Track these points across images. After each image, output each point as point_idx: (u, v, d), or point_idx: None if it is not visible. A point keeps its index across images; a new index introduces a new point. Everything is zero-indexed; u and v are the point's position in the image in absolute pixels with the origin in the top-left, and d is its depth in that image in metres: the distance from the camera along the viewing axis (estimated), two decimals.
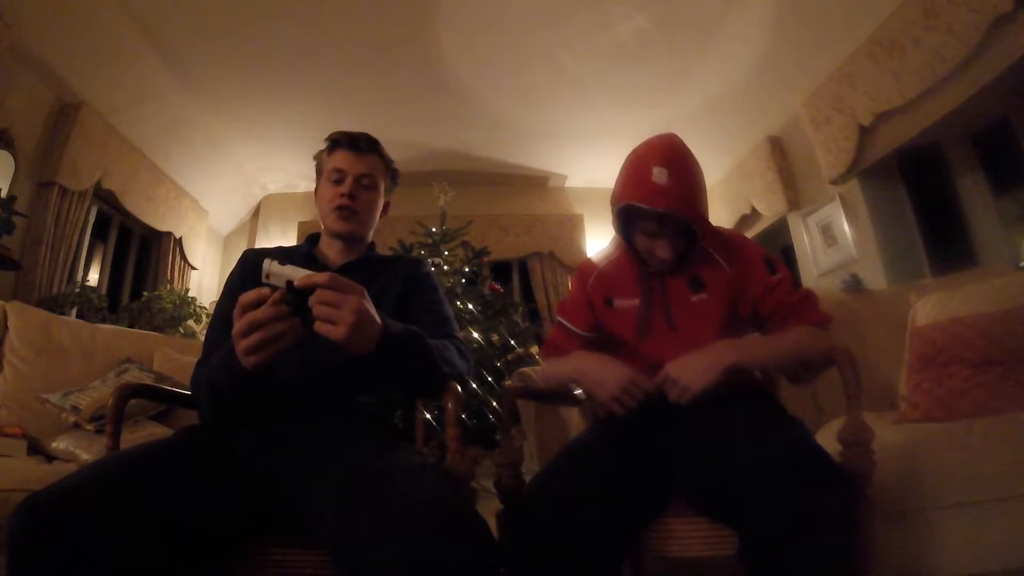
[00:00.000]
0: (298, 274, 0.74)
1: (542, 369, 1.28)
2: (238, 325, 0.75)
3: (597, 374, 1.03)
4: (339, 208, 1.12)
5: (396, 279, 1.14)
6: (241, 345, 0.75)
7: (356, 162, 1.14)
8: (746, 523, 0.83)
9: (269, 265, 0.75)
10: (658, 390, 0.98)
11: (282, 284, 0.74)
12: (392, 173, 1.23)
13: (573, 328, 1.22)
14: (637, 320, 1.14)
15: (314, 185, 1.23)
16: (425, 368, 0.95)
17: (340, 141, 1.16)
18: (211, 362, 0.92)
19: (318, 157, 1.21)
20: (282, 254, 1.18)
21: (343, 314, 0.73)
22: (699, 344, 1.01)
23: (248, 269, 1.12)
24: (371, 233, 1.21)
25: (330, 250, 1.18)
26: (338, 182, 1.14)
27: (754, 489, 0.80)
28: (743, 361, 0.99)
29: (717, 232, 1.16)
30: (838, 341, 1.05)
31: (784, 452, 0.83)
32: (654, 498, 0.94)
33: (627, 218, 1.12)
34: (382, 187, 1.19)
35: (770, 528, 0.78)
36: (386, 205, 1.23)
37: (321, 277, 0.74)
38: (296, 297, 0.73)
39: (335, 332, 0.73)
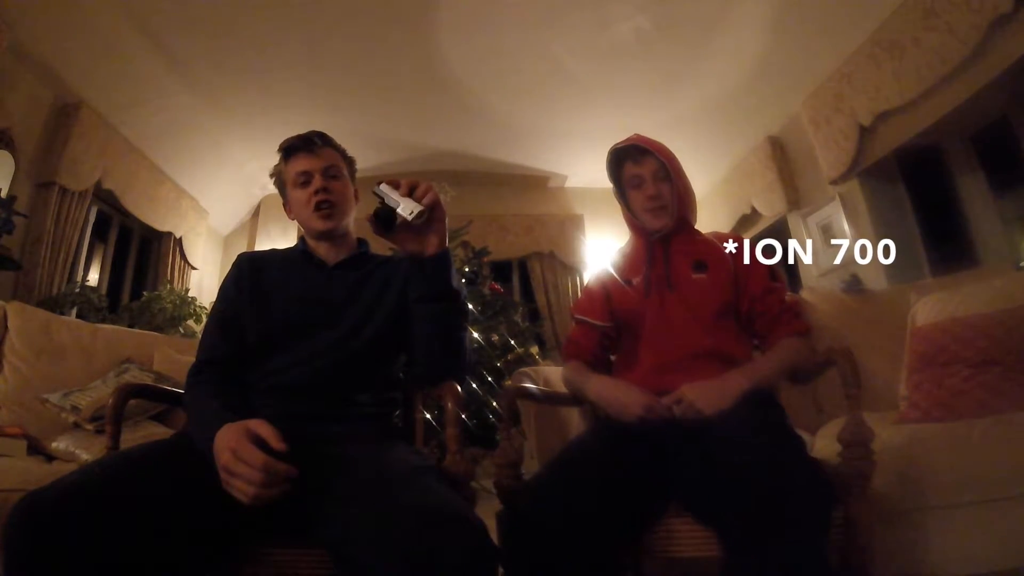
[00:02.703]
0: (403, 205, 0.94)
1: (565, 374, 1.33)
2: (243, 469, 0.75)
3: (617, 402, 1.11)
4: (319, 206, 1.10)
5: (396, 278, 1.14)
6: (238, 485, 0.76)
7: (316, 160, 1.14)
8: (723, 538, 0.84)
9: (384, 188, 0.97)
10: (671, 412, 1.04)
11: (390, 204, 0.95)
12: (349, 161, 1.22)
13: (592, 321, 1.30)
14: (643, 284, 1.24)
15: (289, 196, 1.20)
16: (457, 328, 1.01)
17: (293, 146, 1.15)
18: (196, 417, 0.93)
19: (275, 171, 1.19)
20: (277, 258, 1.18)
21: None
22: (694, 309, 1.18)
23: (243, 272, 1.12)
24: (351, 224, 1.19)
25: (319, 250, 1.17)
26: (306, 184, 1.12)
27: (730, 510, 0.81)
28: (754, 386, 1.05)
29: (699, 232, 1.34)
30: (838, 341, 1.06)
31: (765, 476, 0.80)
32: (653, 501, 0.94)
33: (620, 185, 1.32)
34: (347, 175, 1.19)
35: (743, 551, 0.79)
36: (355, 192, 1.22)
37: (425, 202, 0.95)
38: (388, 216, 0.95)
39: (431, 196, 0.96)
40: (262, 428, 0.78)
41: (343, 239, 1.17)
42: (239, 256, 1.18)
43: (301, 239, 1.21)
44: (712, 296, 1.19)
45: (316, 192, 1.10)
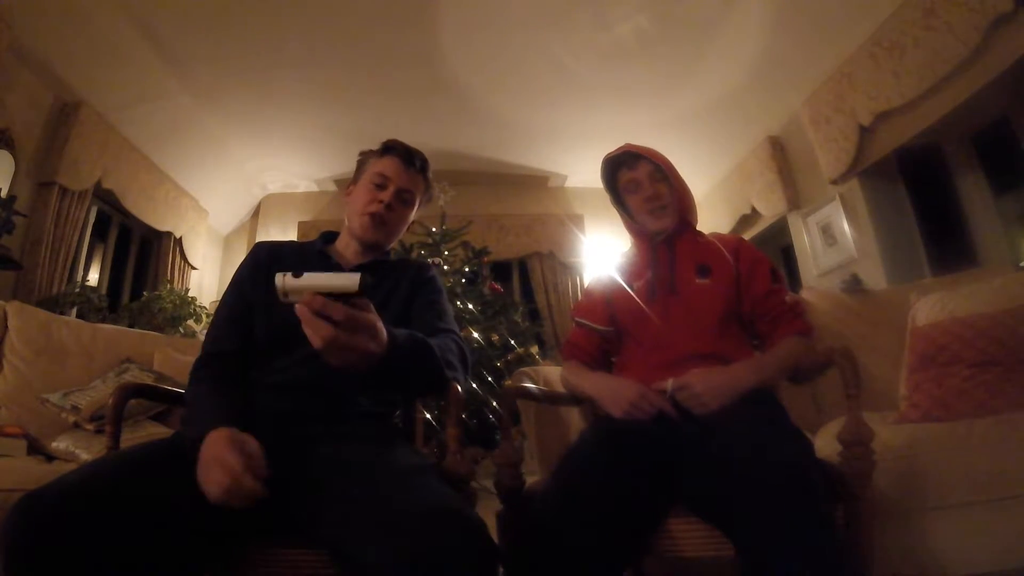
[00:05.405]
0: (318, 281, 0.69)
1: (564, 374, 1.34)
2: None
3: (611, 392, 1.11)
4: (372, 215, 1.12)
5: (403, 282, 1.15)
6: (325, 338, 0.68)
7: (403, 175, 1.15)
8: (739, 538, 0.83)
9: (283, 282, 0.68)
10: (667, 403, 1.04)
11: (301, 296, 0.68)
12: (427, 197, 1.25)
13: (592, 324, 1.30)
14: (647, 288, 1.24)
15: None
16: (430, 372, 0.95)
17: (395, 149, 1.17)
18: (192, 411, 0.92)
19: (363, 156, 1.21)
20: (295, 251, 1.18)
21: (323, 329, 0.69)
22: (697, 314, 1.17)
23: (260, 263, 1.12)
24: (390, 244, 1.21)
25: (347, 250, 1.18)
26: (380, 187, 1.14)
27: (747, 509, 0.80)
28: (760, 382, 1.06)
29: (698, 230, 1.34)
30: (838, 341, 1.06)
31: (781, 475, 0.80)
32: (658, 502, 0.93)
33: (617, 193, 1.33)
34: (416, 206, 1.21)
35: (761, 550, 0.78)
36: (411, 224, 1.25)
37: (339, 314, 0.68)
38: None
39: (313, 340, 0.69)
40: (253, 446, 0.78)
41: (376, 251, 1.18)
42: (257, 245, 1.17)
43: (320, 237, 1.22)
44: (716, 302, 1.19)
45: (380, 202, 1.11)
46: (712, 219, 4.61)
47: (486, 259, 3.94)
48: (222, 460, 0.75)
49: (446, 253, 3.54)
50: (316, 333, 0.68)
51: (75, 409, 1.72)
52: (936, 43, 2.46)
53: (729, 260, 1.23)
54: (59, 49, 2.84)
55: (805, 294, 2.04)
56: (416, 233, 3.74)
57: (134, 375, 1.91)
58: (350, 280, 0.69)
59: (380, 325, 0.76)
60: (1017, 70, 2.25)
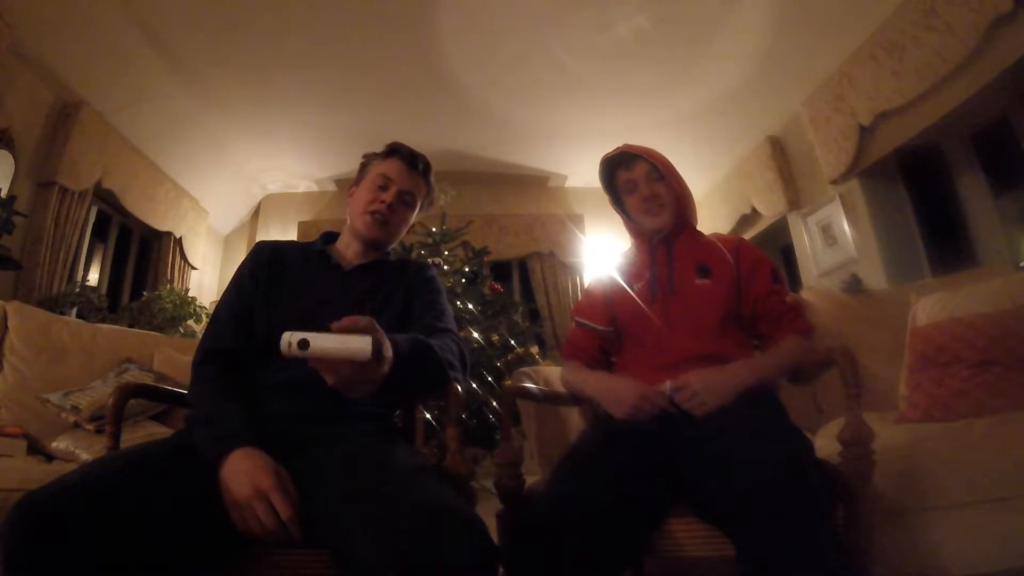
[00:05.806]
0: (327, 348, 0.69)
1: (564, 374, 1.34)
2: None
3: (613, 392, 1.12)
4: (374, 213, 1.13)
5: (402, 282, 1.15)
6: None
7: (405, 177, 1.17)
8: (739, 538, 0.83)
9: (290, 352, 0.68)
10: (668, 403, 1.04)
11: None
12: (428, 200, 1.26)
13: (591, 324, 1.30)
14: (647, 289, 1.23)
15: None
16: (434, 374, 0.96)
17: (398, 151, 1.19)
18: (207, 416, 0.91)
19: (367, 158, 1.23)
20: (296, 251, 1.18)
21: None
22: (697, 315, 1.17)
23: (261, 262, 1.13)
24: (391, 244, 1.23)
25: (348, 250, 1.19)
26: (382, 188, 1.16)
27: (747, 509, 0.80)
28: (759, 381, 1.06)
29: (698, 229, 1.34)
30: (838, 341, 1.06)
31: (781, 475, 0.80)
32: (657, 503, 0.93)
33: (615, 193, 1.34)
34: (417, 208, 1.23)
35: (761, 550, 0.78)
36: (413, 224, 1.27)
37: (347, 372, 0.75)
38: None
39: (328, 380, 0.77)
40: (291, 485, 0.81)
41: (377, 251, 1.19)
42: (259, 244, 1.18)
43: (320, 237, 1.23)
44: (716, 303, 1.18)
45: (382, 202, 1.13)
46: (712, 219, 4.61)
47: (486, 259, 3.94)
48: (268, 497, 0.77)
49: (446, 253, 3.54)
50: (329, 377, 0.75)
51: (75, 409, 1.72)
52: (936, 43, 2.46)
53: (729, 260, 1.23)
54: (59, 49, 2.84)
55: (805, 294, 2.04)
56: (416, 233, 3.73)
57: (134, 375, 1.91)
58: (361, 348, 0.69)
59: (387, 343, 0.77)
60: (1017, 70, 2.25)
